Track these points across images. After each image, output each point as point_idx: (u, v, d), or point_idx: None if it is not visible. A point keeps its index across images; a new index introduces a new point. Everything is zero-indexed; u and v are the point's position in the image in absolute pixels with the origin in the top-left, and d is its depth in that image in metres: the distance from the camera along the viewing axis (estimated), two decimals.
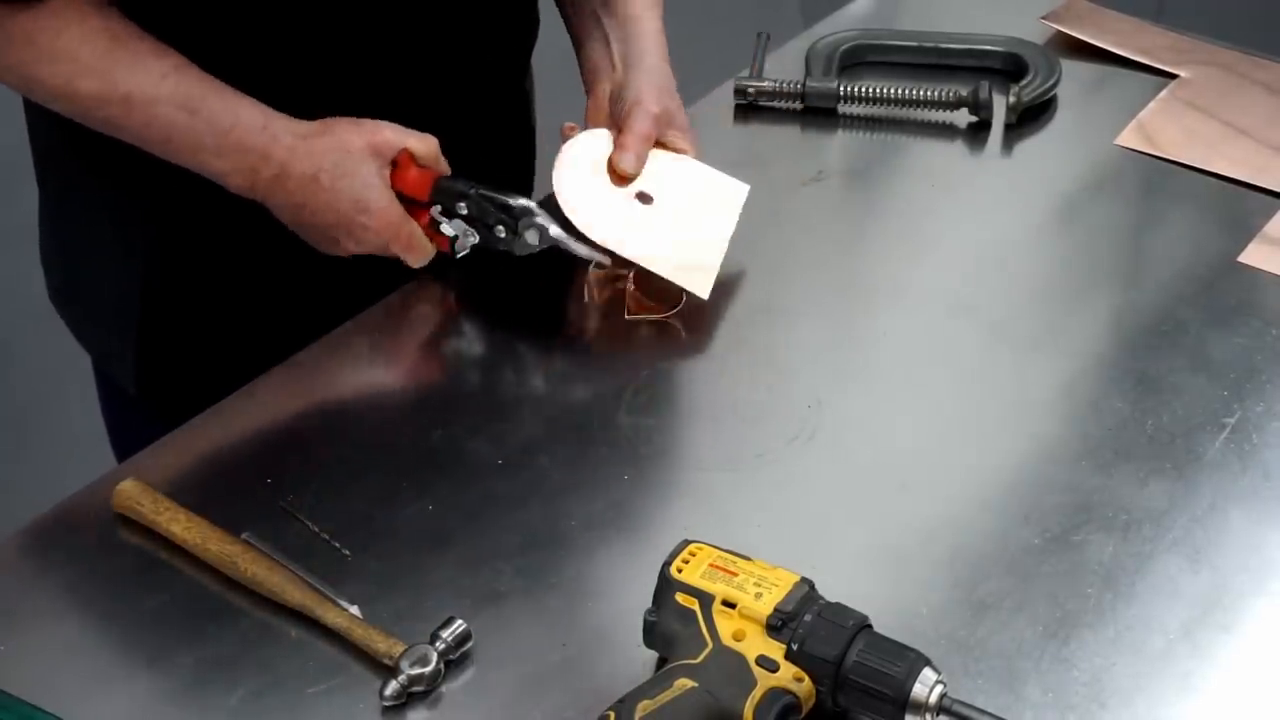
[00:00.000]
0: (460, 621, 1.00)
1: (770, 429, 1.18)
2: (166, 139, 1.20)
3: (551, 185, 1.28)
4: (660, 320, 1.28)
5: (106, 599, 1.06)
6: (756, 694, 0.92)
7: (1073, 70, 1.57)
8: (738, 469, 1.15)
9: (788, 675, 0.92)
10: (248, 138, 1.20)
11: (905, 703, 0.91)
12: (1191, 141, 1.48)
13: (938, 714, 0.91)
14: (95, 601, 1.07)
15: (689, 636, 0.95)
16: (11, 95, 1.29)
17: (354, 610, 1.02)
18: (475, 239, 1.26)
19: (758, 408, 1.20)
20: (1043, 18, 1.64)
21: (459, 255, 1.27)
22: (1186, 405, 1.19)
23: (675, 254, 1.28)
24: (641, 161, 1.30)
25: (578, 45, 1.41)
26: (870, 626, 0.94)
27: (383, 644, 1.00)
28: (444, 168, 1.26)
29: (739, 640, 0.94)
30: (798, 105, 1.53)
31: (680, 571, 0.96)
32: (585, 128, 1.34)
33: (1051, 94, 1.53)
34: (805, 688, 0.92)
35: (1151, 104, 1.53)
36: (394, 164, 1.23)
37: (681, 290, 1.27)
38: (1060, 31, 1.63)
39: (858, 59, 1.61)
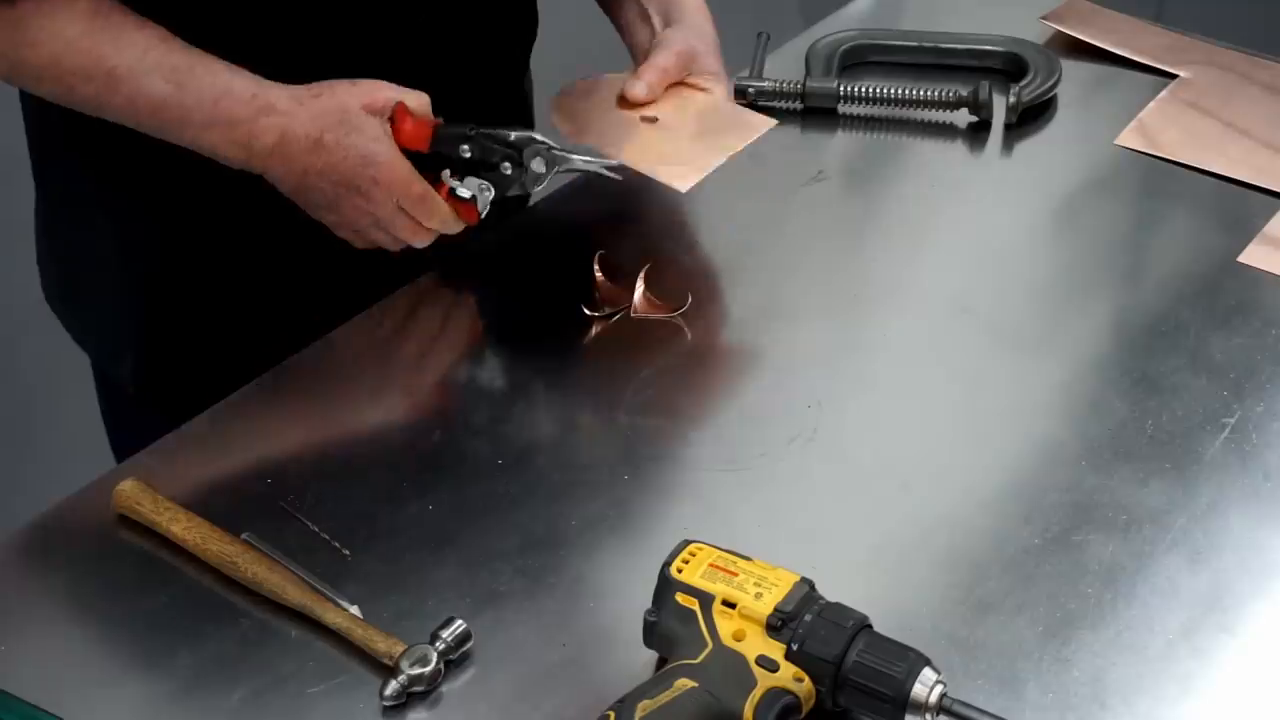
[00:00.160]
0: (460, 621, 1.00)
1: (770, 429, 1.18)
2: (154, 113, 1.19)
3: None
4: (663, 320, 1.28)
5: (106, 599, 1.06)
6: (756, 694, 0.92)
7: (1073, 70, 1.57)
8: (738, 469, 1.15)
9: (788, 675, 0.92)
10: (238, 108, 1.18)
11: (905, 703, 0.91)
12: (1191, 141, 1.48)
13: (938, 714, 0.91)
14: (95, 601, 1.07)
15: (689, 636, 0.95)
16: (8, 96, 1.29)
17: (354, 610, 1.02)
18: (491, 192, 1.24)
19: (758, 408, 1.21)
20: (1043, 18, 1.65)
21: (484, 215, 1.24)
22: (1186, 405, 1.19)
23: (664, 153, 1.27)
24: (652, 90, 1.30)
25: (620, 28, 1.42)
26: (870, 626, 0.94)
27: (383, 644, 1.00)
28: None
29: (739, 640, 0.94)
30: (798, 105, 1.53)
31: (680, 571, 0.96)
32: None
33: (1051, 94, 1.53)
34: (805, 688, 0.92)
35: (1151, 104, 1.53)
36: (391, 120, 1.21)
37: (687, 290, 1.27)
38: (1060, 31, 1.63)
39: (858, 59, 1.61)
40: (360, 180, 1.20)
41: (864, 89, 1.51)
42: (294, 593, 1.03)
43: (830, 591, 0.95)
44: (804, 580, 0.95)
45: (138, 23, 1.18)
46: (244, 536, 1.06)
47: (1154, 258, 1.39)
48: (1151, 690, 0.99)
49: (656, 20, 1.37)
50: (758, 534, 1.06)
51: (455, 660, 1.00)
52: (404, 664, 0.98)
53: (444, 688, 0.99)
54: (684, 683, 0.93)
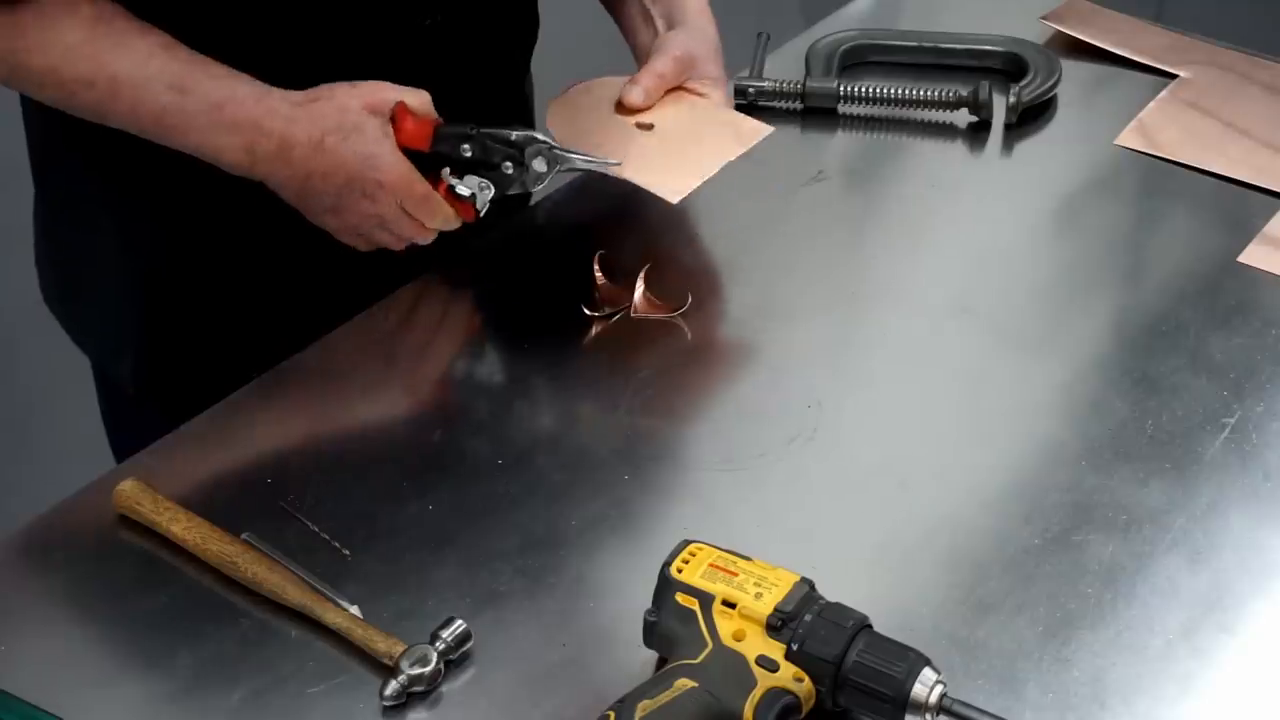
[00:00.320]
0: (460, 621, 1.00)
1: (770, 429, 1.18)
2: (157, 120, 1.19)
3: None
4: (663, 320, 1.28)
5: (106, 599, 1.06)
6: (756, 694, 0.92)
7: (1073, 70, 1.57)
8: (738, 469, 1.15)
9: (788, 675, 0.92)
10: (241, 113, 1.18)
11: (905, 703, 0.91)
12: (1191, 141, 1.48)
13: (938, 714, 0.91)
14: (95, 601, 1.07)
15: (689, 636, 0.95)
16: (8, 97, 1.29)
17: (354, 610, 1.02)
18: (491, 191, 1.23)
19: (758, 407, 1.21)
20: (1043, 18, 1.64)
21: (482, 214, 1.24)
22: (1186, 405, 1.19)
23: (657, 163, 1.27)
24: (648, 96, 1.30)
25: (624, 29, 1.42)
26: (870, 626, 0.94)
27: (383, 644, 1.00)
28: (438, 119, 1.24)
29: (739, 640, 0.94)
30: (798, 105, 1.53)
31: (680, 571, 0.96)
32: None
33: (1051, 94, 1.53)
34: (805, 688, 0.92)
35: (1151, 104, 1.53)
36: (391, 120, 1.21)
37: (687, 290, 1.27)
38: (1060, 31, 1.63)
39: (858, 59, 1.61)
40: (363, 182, 1.20)
41: (864, 89, 1.51)
42: (294, 593, 1.03)
43: (830, 591, 0.95)
44: (804, 580, 0.95)
45: (140, 29, 1.18)
46: (244, 536, 1.06)
47: (1154, 258, 1.39)
48: (1151, 690, 0.99)
49: (659, 22, 1.37)
50: (757, 534, 1.06)
51: (455, 660, 1.00)
52: (404, 664, 0.98)
53: (444, 688, 0.99)
54: (684, 683, 0.93)
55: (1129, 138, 1.49)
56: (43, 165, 1.41)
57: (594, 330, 1.28)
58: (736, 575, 0.95)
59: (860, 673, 0.92)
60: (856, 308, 1.32)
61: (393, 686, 0.98)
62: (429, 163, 1.22)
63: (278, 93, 1.20)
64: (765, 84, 1.53)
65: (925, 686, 0.91)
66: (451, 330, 1.33)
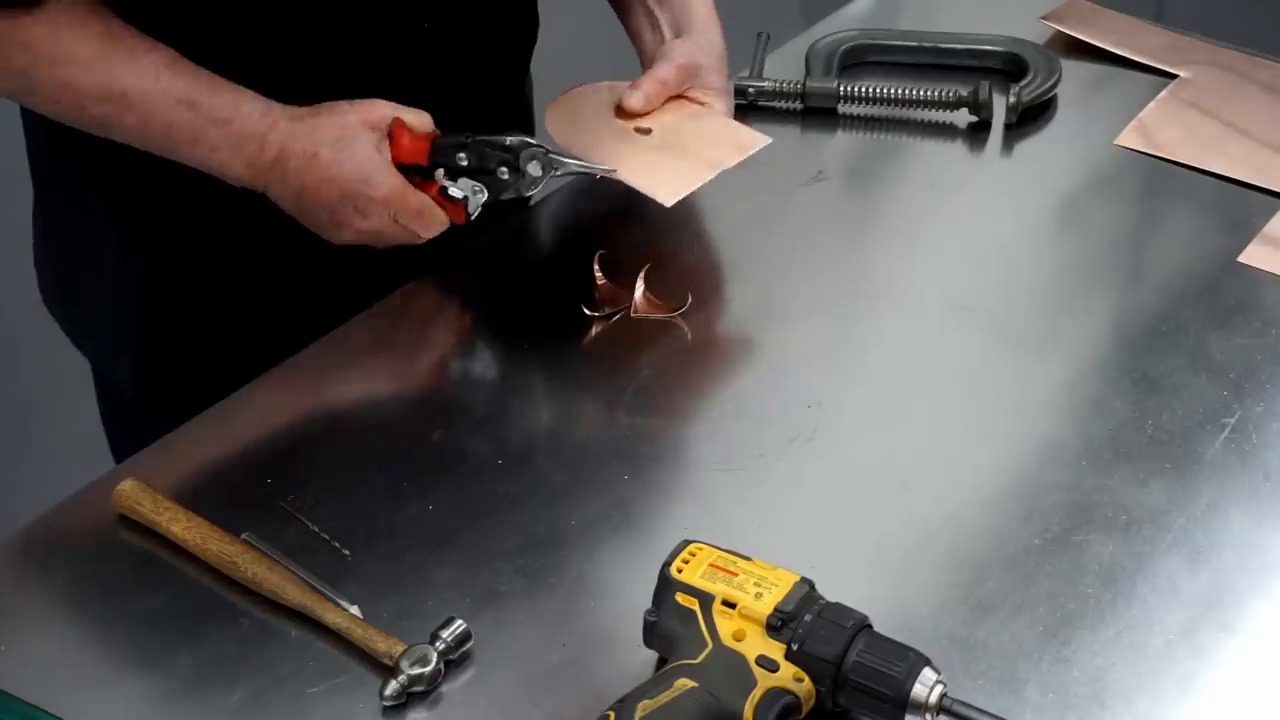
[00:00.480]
0: (460, 621, 1.00)
1: (770, 429, 1.18)
2: (165, 135, 1.20)
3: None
4: (663, 320, 1.28)
5: (106, 599, 1.06)
6: (756, 694, 0.92)
7: (1073, 70, 1.57)
8: (738, 469, 1.15)
9: (788, 675, 0.92)
10: (246, 127, 1.19)
11: (905, 703, 0.91)
12: (1191, 141, 1.48)
13: (938, 714, 0.91)
14: (95, 601, 1.07)
15: (689, 636, 0.95)
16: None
17: (354, 610, 1.02)
18: (485, 195, 1.23)
19: (758, 407, 1.21)
20: (1043, 18, 1.64)
21: (473, 217, 1.24)
22: (1186, 405, 1.19)
23: (652, 166, 1.27)
24: (648, 101, 1.30)
25: (632, 35, 1.42)
26: (870, 626, 0.94)
27: (383, 644, 1.00)
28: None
29: (739, 640, 0.94)
30: (798, 105, 1.53)
31: (680, 571, 0.96)
32: None
33: (1051, 94, 1.53)
34: (805, 688, 0.92)
35: (1151, 104, 1.53)
36: (389, 136, 1.22)
37: (687, 290, 1.27)
38: (1060, 31, 1.63)
39: (858, 59, 1.61)
40: (355, 197, 1.21)
41: (864, 89, 1.51)
42: (294, 593, 1.03)
43: (830, 591, 0.95)
44: (804, 580, 0.95)
45: (147, 45, 1.19)
46: (244, 536, 1.06)
47: (1154, 257, 1.39)
48: (1151, 690, 0.99)
49: (666, 30, 1.37)
50: (757, 534, 1.06)
51: (455, 660, 1.00)
52: (404, 664, 0.98)
53: (444, 688, 0.99)
54: (684, 683, 0.93)
55: (1129, 138, 1.49)
56: (43, 173, 1.41)
57: (594, 330, 1.28)
58: (736, 575, 0.95)
59: (860, 673, 0.92)
60: (857, 307, 1.32)
61: (393, 686, 0.98)
62: (425, 171, 1.22)
63: (281, 108, 1.21)
64: (765, 84, 1.53)
65: (925, 686, 0.91)
66: (451, 330, 1.33)
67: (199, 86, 1.19)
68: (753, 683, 0.92)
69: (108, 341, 1.43)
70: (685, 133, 1.31)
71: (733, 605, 0.94)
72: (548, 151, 1.23)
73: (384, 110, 1.21)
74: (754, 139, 1.32)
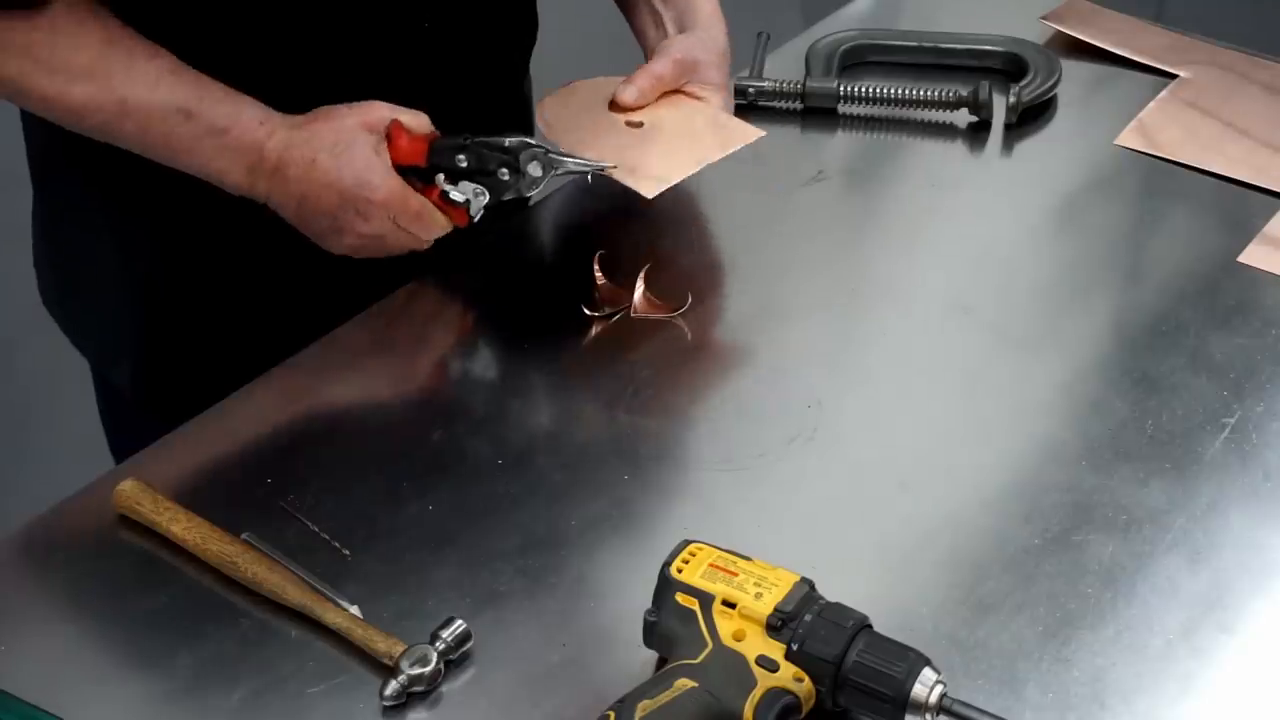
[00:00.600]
0: (460, 621, 1.00)
1: (770, 429, 1.18)
2: (164, 143, 1.20)
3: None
4: (663, 320, 1.28)
5: (106, 599, 1.06)
6: (756, 694, 0.92)
7: (1073, 70, 1.57)
8: (738, 469, 1.15)
9: (788, 675, 0.92)
10: (245, 136, 1.20)
11: (905, 703, 0.91)
12: (1191, 141, 1.48)
13: (938, 714, 0.91)
14: (95, 601, 1.07)
15: (689, 636, 0.95)
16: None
17: (354, 610, 1.02)
18: (486, 197, 1.23)
19: (757, 407, 1.20)
20: (1043, 18, 1.65)
21: (475, 219, 1.24)
22: (1186, 405, 1.19)
23: (638, 159, 1.27)
24: (642, 95, 1.30)
25: (636, 32, 1.42)
26: (870, 626, 0.94)
27: (383, 644, 1.00)
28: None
29: (739, 640, 0.94)
30: (798, 105, 1.53)
31: (680, 571, 0.96)
32: None
33: (1051, 94, 1.53)
34: (805, 688, 0.92)
35: (1151, 104, 1.53)
36: (387, 138, 1.22)
37: (687, 290, 1.27)
38: (1060, 31, 1.63)
39: (858, 59, 1.61)
40: (355, 201, 1.21)
41: (864, 89, 1.51)
42: (294, 593, 1.03)
43: (830, 591, 0.95)
44: (804, 580, 0.95)
45: (148, 52, 1.19)
46: (244, 536, 1.06)
47: (1154, 257, 1.39)
48: (1151, 690, 0.99)
49: (670, 26, 1.38)
50: (757, 534, 1.06)
51: (455, 660, 1.00)
52: (404, 664, 0.98)
53: (444, 688, 0.99)
54: (684, 683, 0.93)
55: (1129, 138, 1.49)
56: (43, 175, 1.41)
57: (594, 330, 1.28)
58: (736, 575, 0.95)
59: (860, 673, 0.92)
60: (856, 307, 1.32)
61: (393, 686, 0.98)
62: (425, 173, 1.22)
63: (280, 117, 1.21)
64: (765, 84, 1.53)
65: (925, 686, 0.91)
66: (451, 330, 1.33)
67: (198, 95, 1.19)
68: (753, 683, 0.92)
69: (107, 342, 1.43)
70: (675, 126, 1.31)
71: (733, 605, 0.94)
72: (547, 151, 1.23)
73: (381, 112, 1.21)
74: (743, 133, 1.32)
